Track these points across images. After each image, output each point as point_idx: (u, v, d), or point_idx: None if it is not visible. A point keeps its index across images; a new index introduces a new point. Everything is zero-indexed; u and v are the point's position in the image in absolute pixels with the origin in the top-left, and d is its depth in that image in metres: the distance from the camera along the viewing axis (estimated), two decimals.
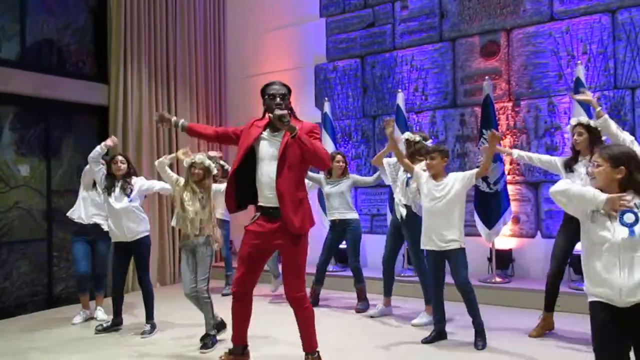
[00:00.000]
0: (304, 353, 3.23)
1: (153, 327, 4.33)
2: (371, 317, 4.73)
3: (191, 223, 3.85)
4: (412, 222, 4.45)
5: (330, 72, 6.98)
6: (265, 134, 3.16)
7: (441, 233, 3.82)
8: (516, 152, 4.24)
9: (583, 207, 2.29)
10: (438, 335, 3.98)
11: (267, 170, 3.09)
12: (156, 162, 4.25)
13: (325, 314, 4.88)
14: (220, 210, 5.88)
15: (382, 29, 6.60)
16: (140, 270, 4.41)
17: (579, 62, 5.06)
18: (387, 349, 3.85)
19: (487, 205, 5.25)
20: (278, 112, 2.95)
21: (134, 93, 6.28)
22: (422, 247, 4.01)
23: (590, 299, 2.29)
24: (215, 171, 4.10)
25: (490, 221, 5.25)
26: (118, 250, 4.38)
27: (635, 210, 2.18)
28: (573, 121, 3.90)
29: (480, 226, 5.30)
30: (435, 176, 3.92)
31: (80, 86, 5.93)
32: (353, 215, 5.08)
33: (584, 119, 3.85)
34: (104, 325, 4.44)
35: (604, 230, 2.21)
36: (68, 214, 4.83)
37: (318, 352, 3.24)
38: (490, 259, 5.48)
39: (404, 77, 6.44)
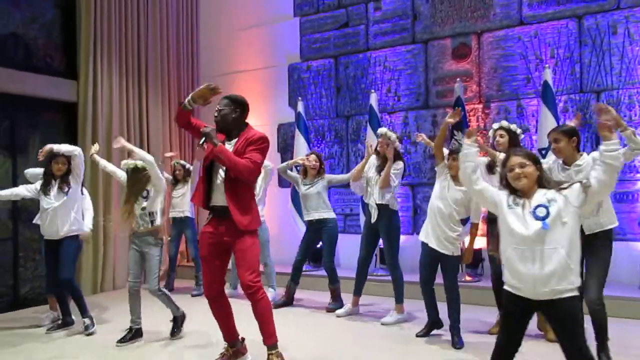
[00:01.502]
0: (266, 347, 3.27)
1: (92, 320, 4.34)
2: (338, 316, 4.75)
3: (140, 218, 3.99)
4: (388, 219, 4.52)
5: (304, 71, 6.99)
6: (226, 141, 3.36)
7: (445, 232, 3.86)
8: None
9: (488, 194, 2.56)
10: (433, 325, 4.09)
11: (220, 173, 3.28)
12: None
13: (298, 313, 4.90)
14: (184, 208, 5.87)
15: (355, 30, 6.64)
16: (63, 268, 4.30)
17: (547, 65, 5.20)
18: (361, 348, 3.88)
19: None
20: (203, 130, 3.24)
21: (104, 89, 6.16)
22: (420, 238, 4.02)
23: (505, 287, 2.45)
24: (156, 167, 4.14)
25: (465, 222, 5.33)
26: (49, 251, 4.38)
27: (546, 204, 2.33)
28: (495, 125, 4.10)
29: None
30: (455, 178, 3.91)
31: (48, 82, 5.79)
32: (330, 214, 5.09)
33: (504, 122, 4.06)
34: (55, 325, 4.46)
35: (520, 224, 2.36)
36: (34, 221, 4.70)
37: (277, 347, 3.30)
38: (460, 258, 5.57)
39: (377, 77, 6.49)
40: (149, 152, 5.55)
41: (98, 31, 6.08)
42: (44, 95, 5.78)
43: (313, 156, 5.14)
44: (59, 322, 4.50)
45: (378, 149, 4.60)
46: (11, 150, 5.52)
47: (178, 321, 4.18)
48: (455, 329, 3.91)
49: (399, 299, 4.56)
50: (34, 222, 4.72)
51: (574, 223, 2.32)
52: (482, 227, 5.70)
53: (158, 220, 4.09)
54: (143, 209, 4.00)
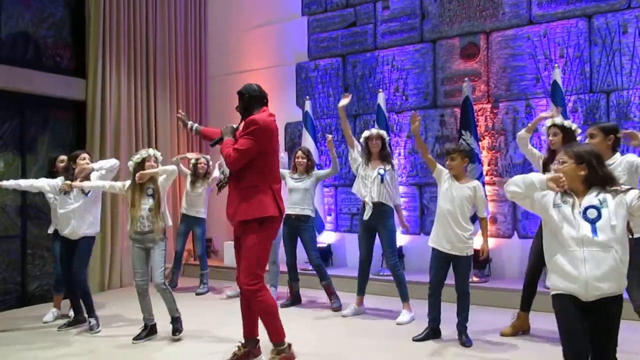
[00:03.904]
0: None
1: (97, 320, 4.34)
2: (343, 316, 4.73)
3: (146, 219, 3.96)
4: (384, 217, 4.53)
5: (311, 70, 6.98)
6: None
7: (457, 233, 3.82)
8: (527, 135, 4.09)
9: (535, 195, 2.40)
10: (432, 333, 4.01)
11: None
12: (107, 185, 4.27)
13: (302, 314, 4.90)
14: (200, 209, 5.84)
15: (363, 29, 6.62)
16: (77, 267, 4.33)
17: (556, 65, 5.16)
18: (373, 348, 3.87)
19: None
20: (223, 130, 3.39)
21: (113, 88, 6.19)
22: (430, 244, 3.97)
23: (553, 292, 2.37)
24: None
25: (474, 220, 5.30)
26: (66, 250, 4.38)
27: (598, 205, 2.26)
28: (548, 122, 3.95)
29: None
30: (457, 177, 3.89)
31: (57, 80, 5.83)
32: (311, 214, 5.05)
33: (558, 119, 3.91)
34: (67, 322, 4.45)
35: (568, 225, 2.28)
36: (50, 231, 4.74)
37: (289, 344, 3.29)
38: None
39: (384, 77, 6.47)
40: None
41: (107, 30, 6.10)
42: (53, 93, 5.81)
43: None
44: (70, 319, 4.48)
45: (371, 150, 4.63)
46: (20, 149, 5.56)
47: (178, 321, 4.11)
48: (463, 327, 3.89)
49: (406, 298, 4.55)
50: (51, 228, 4.75)
51: (623, 226, 2.25)
52: (490, 227, 5.70)
53: (168, 222, 4.09)
54: (150, 209, 3.97)
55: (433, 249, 3.95)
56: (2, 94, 5.35)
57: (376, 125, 5.91)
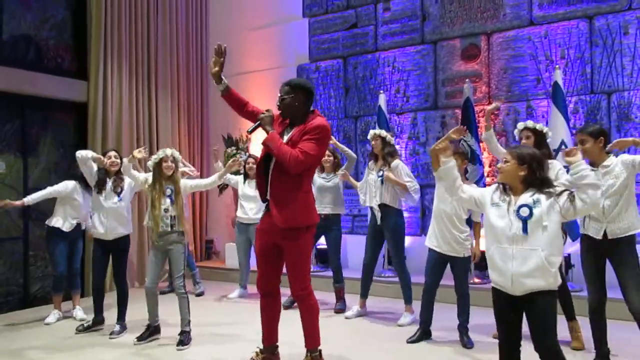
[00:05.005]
0: (305, 350, 3.24)
1: (123, 327, 4.28)
2: (346, 318, 4.73)
3: (161, 220, 3.89)
4: (392, 218, 4.51)
5: (312, 72, 6.99)
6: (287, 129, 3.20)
7: (454, 234, 3.84)
8: (489, 134, 4.11)
9: (475, 193, 2.66)
10: (422, 334, 4.02)
11: (272, 164, 3.11)
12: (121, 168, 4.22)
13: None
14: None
15: (364, 30, 6.63)
16: (117, 269, 4.35)
17: (557, 66, 5.16)
18: (375, 349, 3.88)
19: None
20: (260, 116, 3.10)
21: (114, 90, 6.20)
22: (427, 244, 3.99)
23: (491, 284, 2.55)
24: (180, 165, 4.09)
25: (470, 223, 5.30)
26: (99, 248, 4.31)
27: (531, 205, 2.40)
28: (520, 125, 3.98)
29: None
30: None
31: (59, 82, 5.84)
32: (342, 211, 5.09)
33: (530, 122, 3.95)
34: (85, 324, 4.40)
35: (502, 222, 2.44)
36: (49, 223, 4.69)
37: (320, 350, 3.25)
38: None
39: (385, 78, 6.48)
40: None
41: (108, 32, 6.12)
42: (55, 95, 5.83)
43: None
44: (90, 322, 4.41)
45: (374, 150, 4.64)
46: (22, 150, 5.57)
47: (186, 335, 3.98)
48: (464, 328, 3.90)
49: (409, 300, 4.55)
50: (85, 227, 4.78)
51: (555, 227, 2.39)
52: None
53: (184, 225, 4.05)
54: (166, 210, 3.91)
55: (430, 249, 3.98)
56: (4, 96, 5.36)
57: (377, 127, 5.93)
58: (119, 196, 4.23)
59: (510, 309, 2.48)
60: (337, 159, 5.14)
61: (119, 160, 4.26)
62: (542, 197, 2.41)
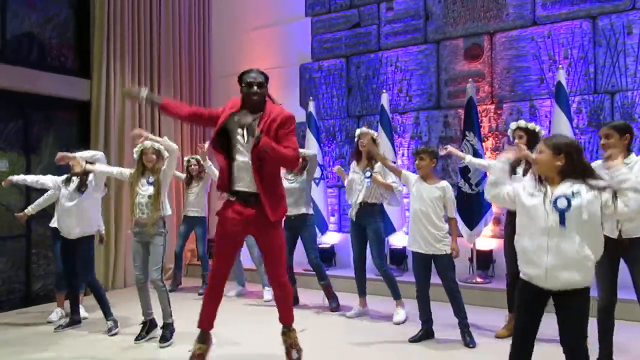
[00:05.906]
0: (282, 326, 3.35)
1: (114, 322, 4.29)
2: (348, 317, 4.72)
3: (141, 208, 3.90)
4: (372, 216, 4.55)
5: (315, 71, 6.99)
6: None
7: (432, 232, 3.84)
8: (468, 159, 4.38)
9: (506, 188, 2.49)
10: (425, 334, 4.01)
11: (241, 151, 3.07)
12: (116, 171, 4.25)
13: (300, 315, 4.89)
14: (197, 208, 5.84)
15: (367, 30, 6.62)
16: (83, 270, 4.34)
17: (560, 66, 5.15)
18: (374, 349, 3.88)
19: (469, 206, 5.31)
20: (243, 120, 2.98)
21: (117, 89, 6.20)
22: (409, 248, 4.03)
23: (520, 276, 2.45)
24: (167, 154, 4.04)
25: (472, 222, 5.31)
26: (64, 248, 4.37)
27: (570, 196, 2.27)
28: (513, 125, 3.98)
29: (461, 227, 5.35)
30: (425, 177, 3.94)
31: (62, 81, 5.85)
32: (308, 211, 5.04)
33: (522, 122, 3.94)
34: (63, 324, 4.43)
35: (538, 214, 2.32)
36: (50, 224, 4.73)
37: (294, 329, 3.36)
38: (471, 260, 5.55)
39: (388, 77, 6.47)
40: None
41: (111, 31, 6.12)
42: (58, 94, 5.83)
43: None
44: (67, 320, 4.50)
45: (361, 149, 4.62)
46: (25, 149, 5.58)
47: (169, 328, 3.95)
48: (465, 327, 3.88)
49: (398, 295, 4.57)
50: (50, 225, 4.76)
51: (595, 221, 2.27)
52: (493, 228, 5.69)
53: (167, 210, 4.04)
54: (149, 197, 3.91)
55: (413, 252, 3.99)
56: (6, 94, 5.37)
57: (379, 126, 5.92)
58: (82, 194, 4.26)
59: (536, 301, 2.38)
60: (305, 161, 5.00)
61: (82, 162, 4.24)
62: (583, 188, 2.28)
